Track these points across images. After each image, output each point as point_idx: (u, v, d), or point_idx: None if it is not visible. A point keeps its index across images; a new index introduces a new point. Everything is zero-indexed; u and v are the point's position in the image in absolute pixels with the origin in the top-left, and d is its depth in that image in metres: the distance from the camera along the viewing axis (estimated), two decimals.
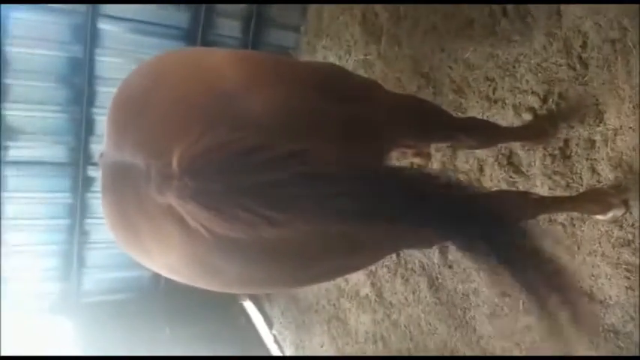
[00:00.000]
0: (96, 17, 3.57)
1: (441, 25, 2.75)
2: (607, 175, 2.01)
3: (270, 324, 4.54)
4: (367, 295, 3.36)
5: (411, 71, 2.94)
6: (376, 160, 1.47)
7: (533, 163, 2.28)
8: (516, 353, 2.37)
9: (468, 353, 2.62)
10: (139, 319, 4.45)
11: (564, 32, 2.13)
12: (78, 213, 4.05)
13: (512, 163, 2.38)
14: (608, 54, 1.97)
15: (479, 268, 1.43)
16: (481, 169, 2.53)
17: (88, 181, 3.98)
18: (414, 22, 2.93)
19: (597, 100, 2.03)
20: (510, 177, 2.38)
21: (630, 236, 1.94)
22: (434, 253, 2.81)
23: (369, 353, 3.31)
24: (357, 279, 3.41)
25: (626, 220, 1.95)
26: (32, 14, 3.42)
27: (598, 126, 2.03)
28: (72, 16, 3.53)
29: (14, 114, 3.61)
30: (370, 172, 1.18)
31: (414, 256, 2.97)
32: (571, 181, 2.15)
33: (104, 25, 3.64)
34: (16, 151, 3.70)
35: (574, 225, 2.13)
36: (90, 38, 3.57)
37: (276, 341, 4.40)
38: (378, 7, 3.21)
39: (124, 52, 3.76)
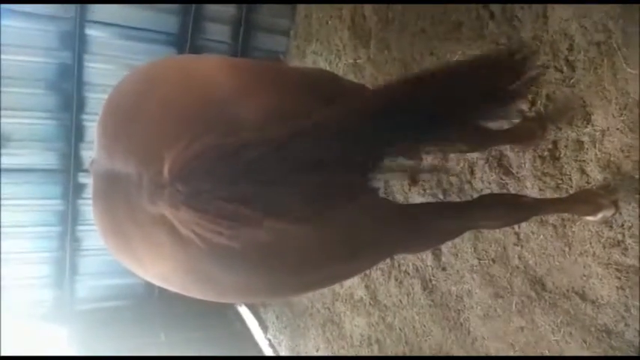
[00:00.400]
0: (84, 23, 3.56)
1: (429, 29, 2.76)
2: (596, 176, 2.02)
3: (265, 328, 4.54)
4: (362, 298, 3.36)
5: (400, 75, 2.95)
6: (368, 164, 1.48)
7: (523, 165, 2.30)
8: (510, 354, 2.38)
9: (463, 355, 2.63)
10: (133, 326, 4.44)
11: (551, 35, 2.14)
12: (69, 220, 4.03)
13: (502, 165, 2.39)
14: (594, 56, 1.98)
15: None
16: (472, 171, 2.54)
17: (79, 188, 3.97)
18: (403, 26, 2.94)
19: (584, 101, 2.04)
20: (501, 179, 2.39)
21: (620, 236, 1.96)
22: (427, 255, 2.82)
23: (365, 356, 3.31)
24: (352, 282, 3.41)
25: (615, 220, 1.96)
26: (20, 22, 3.41)
27: (586, 127, 2.05)
28: (60, 22, 3.52)
29: (4, 121, 3.59)
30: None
31: (408, 258, 2.98)
32: (561, 182, 2.16)
33: (92, 32, 3.63)
34: (6, 158, 3.69)
35: (565, 226, 2.14)
36: (78, 44, 3.57)
37: (272, 345, 4.40)
38: (366, 10, 3.21)
39: (113, 57, 3.76)
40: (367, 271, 3.25)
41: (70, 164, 3.87)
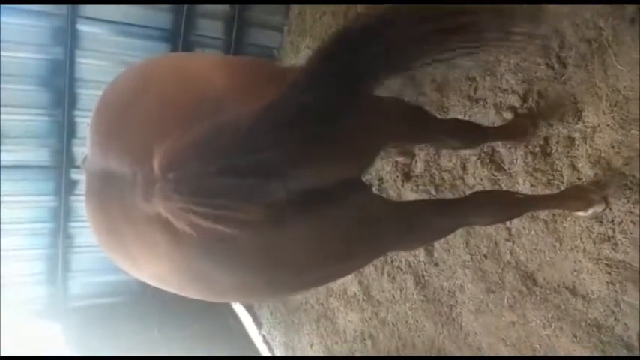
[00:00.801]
0: (76, 19, 3.53)
1: None
2: (587, 172, 2.04)
3: (259, 324, 4.55)
4: (355, 293, 3.38)
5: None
6: (363, 165, 1.48)
7: (514, 161, 2.31)
8: (502, 349, 2.40)
9: (455, 350, 2.65)
10: (127, 322, 4.44)
11: (542, 32, 2.15)
12: (62, 216, 4.02)
13: (494, 161, 2.40)
14: (585, 53, 2.00)
15: None
16: (464, 167, 2.55)
17: (71, 184, 3.96)
18: None
19: (576, 98, 2.06)
20: (493, 175, 2.41)
21: (610, 232, 1.98)
22: (420, 251, 2.83)
23: (358, 352, 3.33)
24: (345, 278, 3.42)
25: (605, 216, 1.98)
26: (12, 18, 3.38)
27: (577, 124, 2.06)
28: (52, 18, 3.49)
29: None
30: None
31: (401, 254, 2.99)
32: (552, 178, 2.18)
33: (84, 27, 3.61)
34: None
35: (556, 222, 2.16)
36: (70, 40, 3.54)
37: (266, 341, 4.41)
38: (359, 7, 3.21)
39: (105, 54, 3.73)
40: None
41: (63, 161, 3.85)
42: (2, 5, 3.27)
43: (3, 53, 3.41)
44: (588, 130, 2.02)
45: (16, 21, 3.39)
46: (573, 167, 2.09)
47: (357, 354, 3.34)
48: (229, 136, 0.99)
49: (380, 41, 1.08)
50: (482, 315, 2.50)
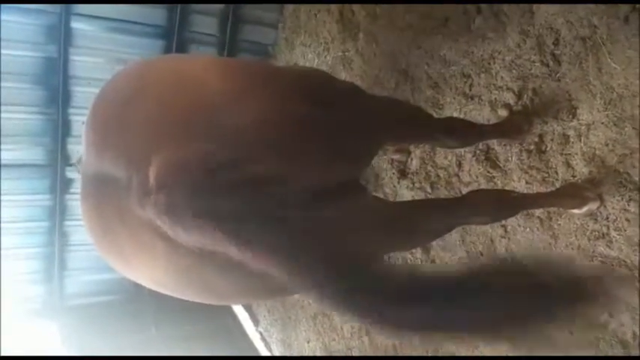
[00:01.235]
0: (69, 16, 3.51)
1: (416, 24, 2.76)
2: (581, 169, 2.04)
3: (256, 322, 4.56)
4: None
5: (389, 68, 2.95)
6: (360, 166, 1.49)
7: (509, 159, 2.32)
8: (499, 347, 2.41)
9: (452, 348, 2.66)
10: (124, 321, 4.44)
11: (537, 30, 2.15)
12: (57, 215, 4.00)
13: (489, 159, 2.41)
14: (580, 51, 2.00)
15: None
16: (459, 164, 2.55)
17: (66, 183, 3.94)
18: (390, 20, 2.94)
19: (570, 95, 2.06)
20: (488, 172, 2.41)
21: (605, 229, 1.99)
22: (416, 248, 2.83)
23: (355, 348, 3.34)
24: None
25: (600, 213, 1.99)
26: (4, 15, 3.35)
27: (571, 121, 2.07)
28: (45, 16, 3.46)
29: None
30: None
31: None
32: (547, 175, 2.18)
33: (78, 25, 3.58)
34: None
35: (551, 219, 2.17)
36: (64, 38, 3.52)
37: (263, 338, 4.42)
38: (354, 5, 3.21)
39: (99, 51, 3.71)
40: None
41: (58, 159, 3.83)
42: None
43: None
44: (583, 127, 2.03)
45: (9, 18, 3.36)
46: (568, 164, 2.09)
47: (355, 351, 3.35)
48: (227, 167, 1.01)
49: None
50: None
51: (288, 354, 4.12)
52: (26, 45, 3.49)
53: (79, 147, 3.73)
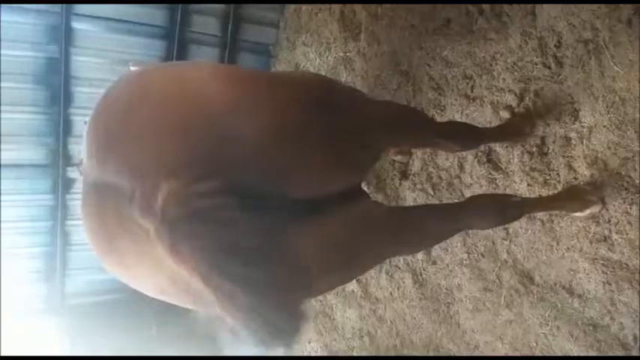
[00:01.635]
0: (70, 17, 3.50)
1: (418, 24, 2.75)
2: (583, 172, 2.04)
3: None
4: (353, 290, 3.38)
5: (390, 69, 2.95)
6: (362, 172, 1.48)
7: (511, 161, 2.31)
8: (499, 347, 2.42)
9: (453, 348, 2.67)
10: (125, 320, 4.44)
11: (539, 32, 2.15)
12: (59, 214, 4.01)
13: (491, 161, 2.41)
14: (582, 54, 1.99)
15: None
16: (461, 166, 2.55)
17: (67, 182, 3.94)
18: (392, 20, 2.93)
19: (572, 98, 2.06)
20: (490, 174, 2.41)
21: (607, 232, 1.98)
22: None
23: (356, 349, 3.35)
24: None
25: (602, 216, 1.99)
26: (5, 15, 3.34)
27: (574, 124, 2.06)
28: (46, 16, 3.46)
29: None
30: None
31: None
32: (548, 177, 2.18)
33: (79, 25, 3.57)
34: None
35: (552, 221, 2.17)
36: (65, 38, 3.51)
37: None
38: (356, 5, 3.20)
39: (100, 51, 3.70)
40: None
41: (59, 159, 3.83)
42: None
43: None
44: (585, 130, 2.02)
45: (10, 18, 3.36)
46: (570, 167, 2.09)
47: (355, 351, 3.36)
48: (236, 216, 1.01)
49: None
50: (480, 313, 2.51)
51: (289, 354, 4.12)
52: (27, 45, 3.49)
53: (80, 147, 3.73)
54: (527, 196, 2.22)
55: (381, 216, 1.43)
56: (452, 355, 2.69)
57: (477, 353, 2.57)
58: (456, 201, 2.52)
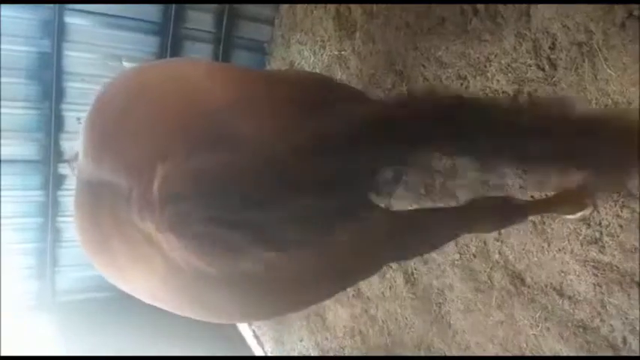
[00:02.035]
0: (63, 11, 3.48)
1: (413, 23, 2.74)
2: (575, 175, 2.04)
3: None
4: (345, 290, 3.38)
5: (385, 68, 2.94)
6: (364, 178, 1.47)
7: None
8: (490, 348, 2.42)
9: (444, 348, 2.67)
10: (117, 317, 4.42)
11: (533, 33, 2.15)
12: (50, 211, 3.98)
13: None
14: (576, 56, 1.99)
15: None
16: (454, 167, 2.54)
17: (59, 179, 3.91)
18: (387, 19, 2.92)
19: None
20: (482, 175, 2.40)
21: (597, 234, 1.99)
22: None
23: (348, 347, 3.35)
24: None
25: (593, 218, 1.99)
26: None
27: None
28: (39, 10, 3.43)
29: None
30: None
31: None
32: (541, 179, 2.18)
33: (72, 20, 3.55)
34: None
35: (544, 223, 2.17)
36: (58, 33, 3.48)
37: (256, 336, 4.42)
38: (351, 3, 3.19)
39: (94, 46, 3.68)
40: None
41: (50, 155, 3.80)
42: None
43: None
44: None
45: (3, 13, 3.32)
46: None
47: (347, 350, 3.36)
48: (233, 181, 0.99)
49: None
50: (471, 314, 2.52)
51: (281, 352, 4.12)
52: (20, 39, 3.46)
53: (72, 143, 3.70)
54: (520, 197, 2.21)
55: (381, 223, 1.42)
56: (443, 355, 2.69)
57: (467, 354, 2.57)
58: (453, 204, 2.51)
